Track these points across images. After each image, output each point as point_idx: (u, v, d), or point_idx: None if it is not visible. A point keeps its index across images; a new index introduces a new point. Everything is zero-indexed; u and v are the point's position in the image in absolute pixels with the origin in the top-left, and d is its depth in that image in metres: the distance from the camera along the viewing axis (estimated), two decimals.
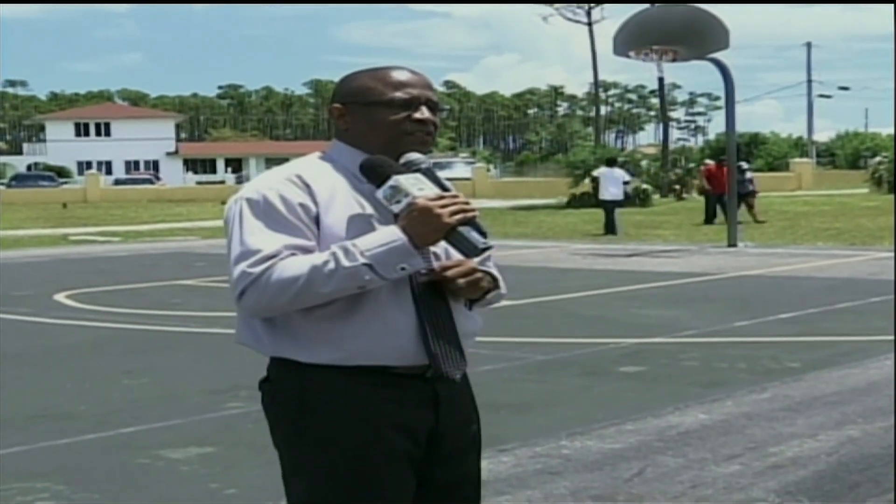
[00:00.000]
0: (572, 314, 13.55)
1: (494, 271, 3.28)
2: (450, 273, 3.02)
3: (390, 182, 2.95)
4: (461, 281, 3.03)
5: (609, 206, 28.36)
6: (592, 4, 64.41)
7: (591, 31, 65.71)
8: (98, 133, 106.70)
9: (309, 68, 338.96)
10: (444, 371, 3.06)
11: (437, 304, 3.07)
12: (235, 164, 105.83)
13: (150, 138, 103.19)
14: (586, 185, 44.37)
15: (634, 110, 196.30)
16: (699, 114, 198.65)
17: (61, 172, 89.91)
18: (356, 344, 3.00)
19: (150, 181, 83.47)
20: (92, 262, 23.24)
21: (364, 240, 2.92)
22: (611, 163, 31.49)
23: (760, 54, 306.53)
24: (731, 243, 23.95)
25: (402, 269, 2.92)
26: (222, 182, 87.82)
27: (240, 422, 7.97)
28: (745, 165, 33.79)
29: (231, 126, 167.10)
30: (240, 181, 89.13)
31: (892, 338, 10.93)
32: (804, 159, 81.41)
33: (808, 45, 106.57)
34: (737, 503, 5.87)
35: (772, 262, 20.14)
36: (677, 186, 51.63)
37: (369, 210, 3.03)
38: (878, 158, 55.82)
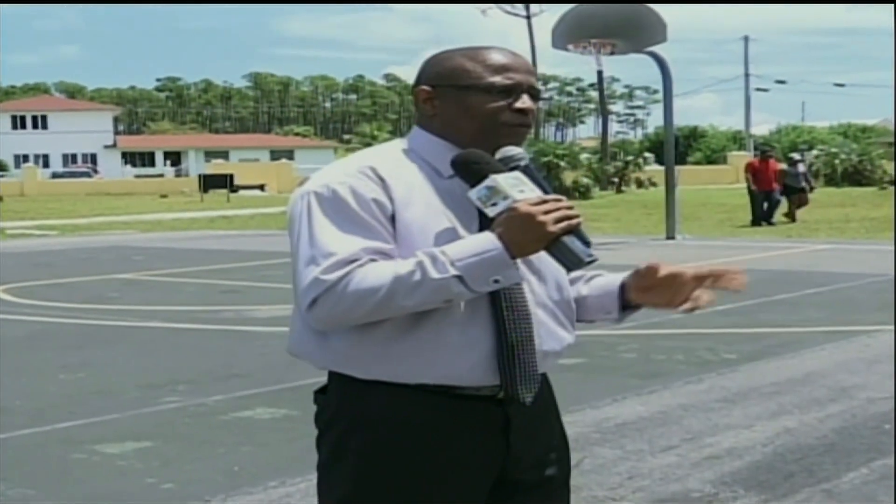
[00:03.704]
0: None
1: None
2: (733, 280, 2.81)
3: (487, 182, 2.56)
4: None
5: None
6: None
7: (529, 25, 66.00)
8: (35, 126, 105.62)
9: (248, 61, 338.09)
10: (516, 393, 2.69)
11: (518, 315, 2.70)
12: (174, 158, 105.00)
13: (88, 131, 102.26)
14: None
15: (574, 103, 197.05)
16: (638, 107, 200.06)
17: None
18: (421, 361, 2.64)
19: (87, 174, 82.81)
20: (29, 256, 23.01)
21: (454, 248, 2.54)
22: None
23: (698, 48, 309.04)
24: (670, 236, 24.07)
25: (496, 281, 2.54)
26: (161, 175, 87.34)
27: (177, 416, 7.94)
28: (797, 157, 31.71)
29: (170, 119, 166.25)
30: (178, 174, 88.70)
31: (827, 329, 11.10)
32: (742, 152, 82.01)
33: (746, 38, 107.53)
34: (673, 494, 5.91)
35: (710, 254, 20.24)
36: (616, 179, 51.92)
37: (452, 210, 2.66)
38: (814, 152, 56.41)
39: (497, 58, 2.76)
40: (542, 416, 2.85)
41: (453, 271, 2.51)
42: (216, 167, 73.99)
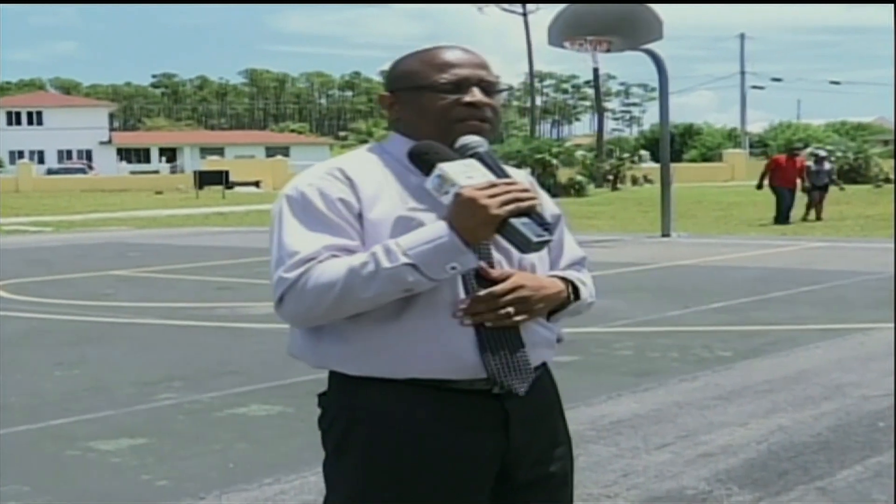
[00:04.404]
0: None
1: (577, 276, 2.94)
2: (474, 316, 2.68)
3: (436, 171, 2.62)
4: (489, 316, 2.68)
5: None
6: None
7: (526, 22, 66.02)
8: (30, 122, 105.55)
9: (244, 57, 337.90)
10: (505, 384, 2.71)
11: None
12: (170, 154, 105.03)
13: (83, 127, 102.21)
14: None
15: (569, 101, 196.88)
16: (634, 104, 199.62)
17: None
18: (405, 354, 2.68)
19: (83, 171, 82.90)
20: (24, 252, 22.99)
21: (407, 237, 2.60)
22: None
23: (694, 45, 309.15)
24: (665, 233, 24.08)
25: (453, 268, 2.58)
26: (156, 172, 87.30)
27: (172, 413, 7.93)
28: (822, 154, 30.65)
29: (165, 115, 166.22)
30: (174, 171, 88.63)
31: (821, 327, 11.11)
32: (737, 150, 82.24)
33: (742, 36, 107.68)
34: (668, 491, 5.91)
35: (705, 251, 20.28)
36: (612, 177, 51.94)
37: (421, 205, 2.71)
38: (809, 149, 56.38)
39: (444, 56, 2.83)
40: (544, 412, 2.88)
41: (404, 260, 2.56)
42: (211, 164, 73.94)
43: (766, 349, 9.96)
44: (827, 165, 29.74)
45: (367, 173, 2.76)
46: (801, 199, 28.30)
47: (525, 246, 2.59)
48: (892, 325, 10.44)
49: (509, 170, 2.84)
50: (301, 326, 2.77)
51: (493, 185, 2.59)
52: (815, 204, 28.55)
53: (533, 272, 2.80)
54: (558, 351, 2.91)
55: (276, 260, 2.69)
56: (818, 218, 28.20)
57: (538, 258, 2.81)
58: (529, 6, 65.29)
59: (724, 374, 8.92)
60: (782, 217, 27.60)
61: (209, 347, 10.73)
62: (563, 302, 2.84)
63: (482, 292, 2.68)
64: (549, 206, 2.98)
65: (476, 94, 2.79)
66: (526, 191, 2.61)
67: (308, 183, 2.76)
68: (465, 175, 2.61)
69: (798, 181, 28.13)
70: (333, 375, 2.79)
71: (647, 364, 9.41)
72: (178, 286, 16.37)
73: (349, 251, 2.66)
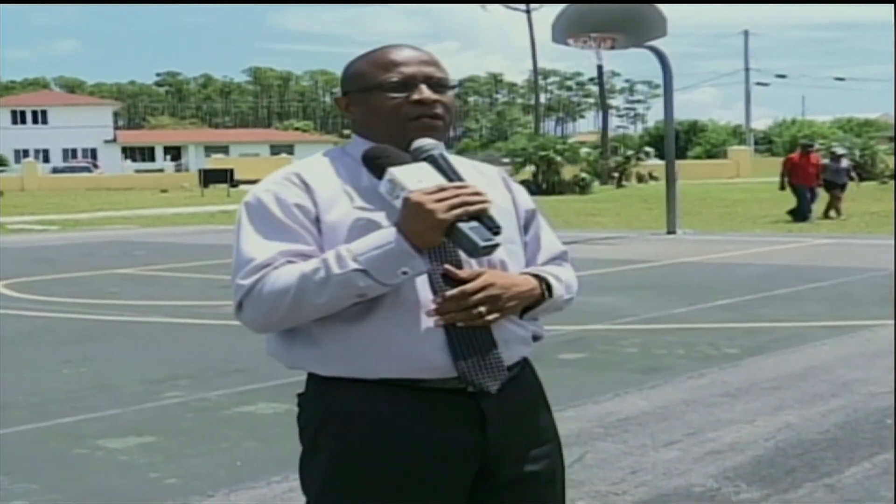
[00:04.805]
0: None
1: (552, 272, 2.90)
2: (445, 317, 2.65)
3: (386, 175, 2.60)
4: (461, 316, 2.65)
5: None
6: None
7: (529, 19, 66.02)
8: (35, 121, 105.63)
9: (247, 56, 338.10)
10: (476, 383, 2.68)
11: None
12: (174, 152, 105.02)
13: (88, 126, 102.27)
14: (526, 172, 44.67)
15: (574, 98, 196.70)
16: (638, 101, 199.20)
17: None
18: (374, 355, 2.67)
19: (88, 169, 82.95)
20: (29, 251, 23.02)
21: (358, 243, 2.59)
22: None
23: (698, 42, 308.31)
24: (670, 230, 24.06)
25: (404, 273, 2.56)
26: (161, 170, 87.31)
27: (179, 411, 7.94)
28: (839, 151, 30.00)
29: (169, 114, 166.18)
30: (179, 169, 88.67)
31: (828, 323, 11.10)
32: (742, 147, 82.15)
33: (746, 32, 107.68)
34: (675, 488, 5.91)
35: (710, 248, 20.27)
36: (616, 174, 51.93)
37: (379, 207, 2.68)
38: (815, 146, 56.32)
39: (390, 55, 2.82)
40: (524, 409, 2.85)
41: (354, 265, 2.56)
42: (216, 162, 74.01)
43: (772, 346, 9.95)
44: (844, 163, 29.21)
45: (325, 177, 2.77)
46: (822, 197, 28.01)
47: (473, 251, 2.57)
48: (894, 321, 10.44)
49: (475, 167, 2.87)
50: (263, 332, 2.78)
51: (442, 190, 2.57)
52: (834, 202, 28.06)
53: (504, 270, 2.77)
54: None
55: (235, 266, 2.71)
56: (834, 214, 27.63)
57: (507, 255, 2.79)
58: (533, 3, 65.30)
59: (731, 371, 8.91)
60: (801, 215, 27.11)
61: (215, 345, 10.73)
62: (537, 299, 2.81)
63: (453, 291, 2.65)
64: (524, 200, 2.98)
65: (424, 92, 2.77)
66: (477, 194, 2.58)
67: (265, 189, 2.77)
68: (416, 179, 2.59)
69: (815, 179, 27.49)
70: (310, 376, 2.82)
71: (653, 361, 9.41)
72: (183, 284, 16.39)
73: (305, 256, 2.66)
